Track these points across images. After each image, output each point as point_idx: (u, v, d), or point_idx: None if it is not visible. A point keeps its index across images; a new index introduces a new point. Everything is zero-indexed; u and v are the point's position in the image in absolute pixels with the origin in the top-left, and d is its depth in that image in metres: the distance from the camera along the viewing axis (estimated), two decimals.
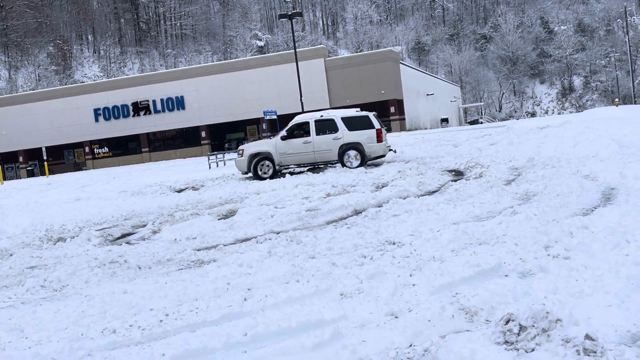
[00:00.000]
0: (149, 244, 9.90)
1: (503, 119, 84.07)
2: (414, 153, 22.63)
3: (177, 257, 8.47)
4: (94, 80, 79.19)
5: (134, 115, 54.25)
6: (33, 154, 55.47)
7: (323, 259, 7.34)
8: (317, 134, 20.03)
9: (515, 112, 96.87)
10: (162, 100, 53.77)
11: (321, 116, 20.26)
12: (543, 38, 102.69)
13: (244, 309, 5.60)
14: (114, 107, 54.45)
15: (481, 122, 68.63)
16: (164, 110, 53.79)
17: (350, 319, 5.14)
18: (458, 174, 15.43)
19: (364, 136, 20.08)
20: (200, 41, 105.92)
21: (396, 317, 5.07)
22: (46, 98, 56.05)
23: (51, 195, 20.38)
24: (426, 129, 57.02)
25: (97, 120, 54.87)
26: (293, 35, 46.10)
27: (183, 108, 53.43)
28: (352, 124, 20.26)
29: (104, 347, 4.98)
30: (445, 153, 21.05)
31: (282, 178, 18.65)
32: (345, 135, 19.95)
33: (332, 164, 20.31)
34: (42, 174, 52.27)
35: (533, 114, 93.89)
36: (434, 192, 12.60)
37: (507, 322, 4.46)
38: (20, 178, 53.44)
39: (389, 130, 50.40)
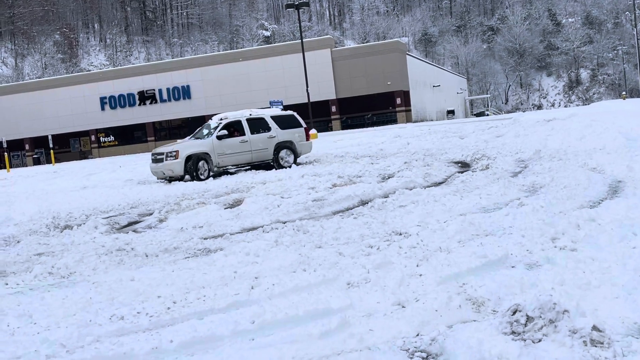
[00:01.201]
0: (155, 232, 9.93)
1: (509, 111, 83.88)
2: (420, 144, 22.59)
3: (184, 245, 8.49)
4: (100, 69, 79.24)
5: (140, 104, 54.32)
6: (39, 142, 55.61)
7: (330, 248, 7.35)
8: (252, 132, 19.28)
9: (522, 104, 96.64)
10: (168, 89, 53.81)
11: (250, 114, 19.66)
12: (550, 30, 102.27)
13: (251, 297, 5.61)
14: (120, 95, 54.52)
15: (487, 114, 68.48)
16: (169, 100, 53.85)
17: (357, 308, 5.16)
18: (464, 166, 15.41)
19: (295, 134, 20.01)
20: (206, 31, 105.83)
21: (403, 307, 5.09)
22: (52, 86, 56.14)
23: (57, 183, 20.45)
24: (432, 120, 56.93)
25: (103, 109, 54.97)
26: (300, 26, 46.04)
27: (189, 97, 53.47)
28: (282, 122, 19.93)
29: (112, 334, 5.01)
30: (451, 145, 21.00)
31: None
32: (279, 133, 19.64)
33: (267, 163, 19.71)
34: (48, 162, 52.39)
35: (539, 107, 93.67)
36: (440, 183, 12.60)
37: (514, 312, 4.47)
38: (27, 166, 53.61)
39: (394, 121, 50.39)
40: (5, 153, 44.18)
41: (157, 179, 18.89)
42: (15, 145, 56.04)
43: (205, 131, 19.51)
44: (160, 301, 5.76)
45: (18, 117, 55.53)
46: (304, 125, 20.60)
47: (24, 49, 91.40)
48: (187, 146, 18.46)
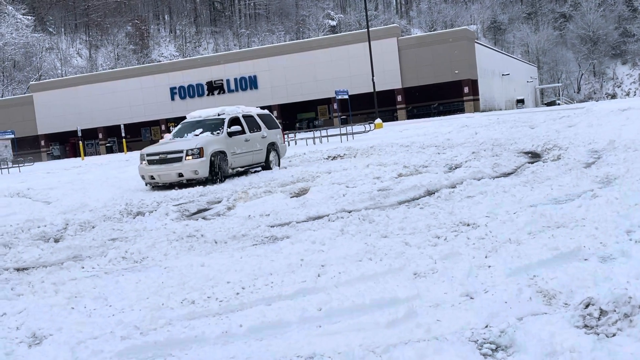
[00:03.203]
0: (224, 219, 10.11)
1: (581, 101, 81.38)
2: (488, 134, 22.18)
3: (252, 232, 8.61)
4: (170, 60, 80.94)
5: (208, 95, 55.25)
6: (112, 131, 57.35)
7: (396, 238, 7.32)
8: (250, 131, 17.39)
9: (595, 93, 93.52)
10: (235, 79, 54.51)
11: (242, 111, 17.83)
12: (626, 17, 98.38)
13: (318, 285, 5.66)
14: (189, 86, 55.58)
15: (559, 104, 66.64)
16: (237, 90, 54.55)
17: (424, 298, 5.12)
18: (535, 156, 15.05)
19: (277, 135, 18.87)
20: (273, 21, 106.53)
21: (471, 298, 5.02)
22: (124, 77, 57.72)
23: (129, 171, 21.03)
24: (501, 110, 55.80)
25: (172, 99, 56.17)
26: (366, 15, 45.83)
27: (256, 87, 54.02)
28: (265, 122, 18.54)
29: (184, 317, 5.14)
30: (521, 135, 20.53)
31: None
32: (269, 134, 18.21)
33: (259, 166, 17.99)
34: (121, 150, 54.03)
35: (613, 96, 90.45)
36: (509, 173, 12.35)
37: (587, 306, 4.37)
38: (100, 154, 55.46)
39: (462, 110, 49.63)
40: (80, 142, 45.83)
41: (149, 185, 15.78)
42: (90, 134, 57.98)
43: (199, 127, 16.84)
44: (230, 286, 5.87)
45: (92, 107, 57.37)
46: (280, 126, 19.67)
47: (97, 40, 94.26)
48: (207, 143, 15.61)
